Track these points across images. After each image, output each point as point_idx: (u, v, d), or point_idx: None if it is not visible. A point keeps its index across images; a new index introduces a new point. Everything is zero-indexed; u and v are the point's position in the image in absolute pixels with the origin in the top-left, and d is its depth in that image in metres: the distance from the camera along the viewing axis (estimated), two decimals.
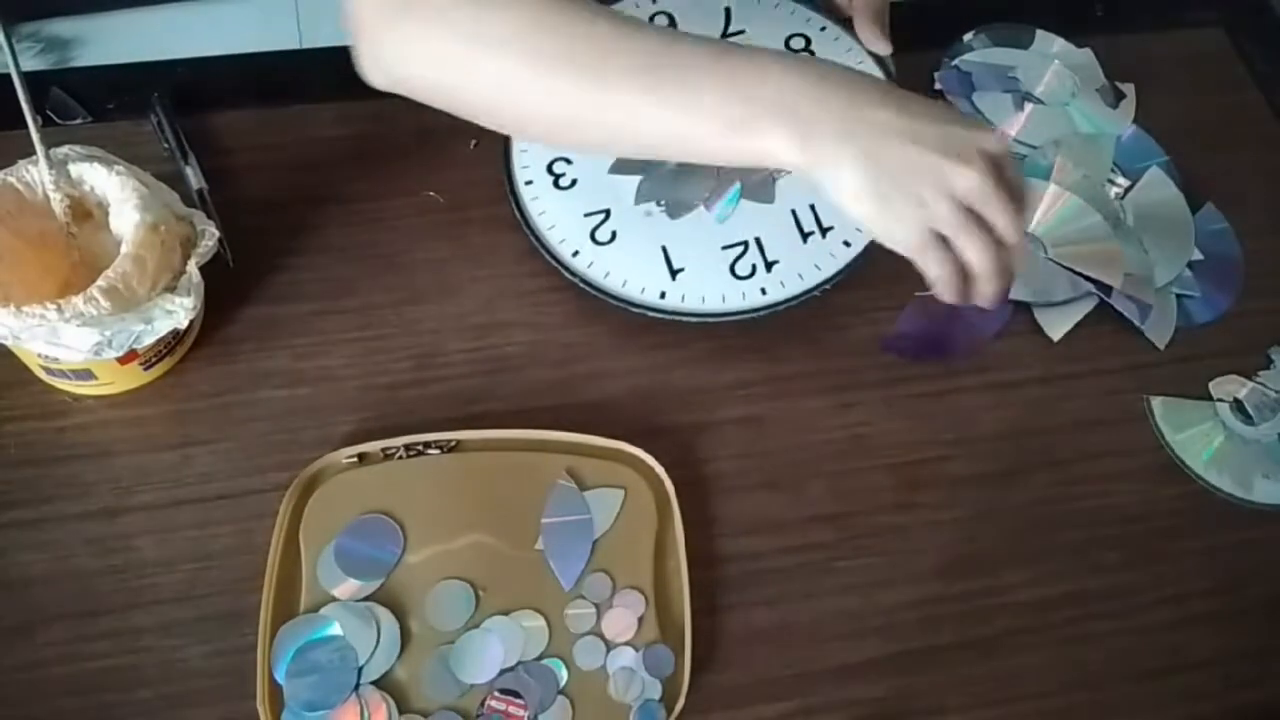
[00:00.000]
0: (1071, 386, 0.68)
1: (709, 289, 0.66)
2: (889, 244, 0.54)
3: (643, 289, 0.66)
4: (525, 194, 0.68)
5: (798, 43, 0.74)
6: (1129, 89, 0.80)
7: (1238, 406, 0.68)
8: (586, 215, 0.67)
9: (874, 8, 0.71)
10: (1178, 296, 0.71)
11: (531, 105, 0.56)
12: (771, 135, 0.53)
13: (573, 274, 0.65)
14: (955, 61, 0.80)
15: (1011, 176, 0.54)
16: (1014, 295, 0.69)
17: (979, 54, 0.81)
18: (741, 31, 0.74)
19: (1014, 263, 0.55)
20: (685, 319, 0.65)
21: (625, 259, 0.66)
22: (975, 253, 0.53)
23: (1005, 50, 0.81)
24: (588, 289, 0.65)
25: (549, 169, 0.69)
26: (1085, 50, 0.81)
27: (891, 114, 0.52)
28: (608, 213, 0.68)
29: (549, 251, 0.66)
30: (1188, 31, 0.85)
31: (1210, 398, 0.68)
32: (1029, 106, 0.78)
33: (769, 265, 0.67)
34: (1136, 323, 0.69)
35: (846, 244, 0.68)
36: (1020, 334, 0.69)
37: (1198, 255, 0.72)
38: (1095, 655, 0.60)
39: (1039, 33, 0.82)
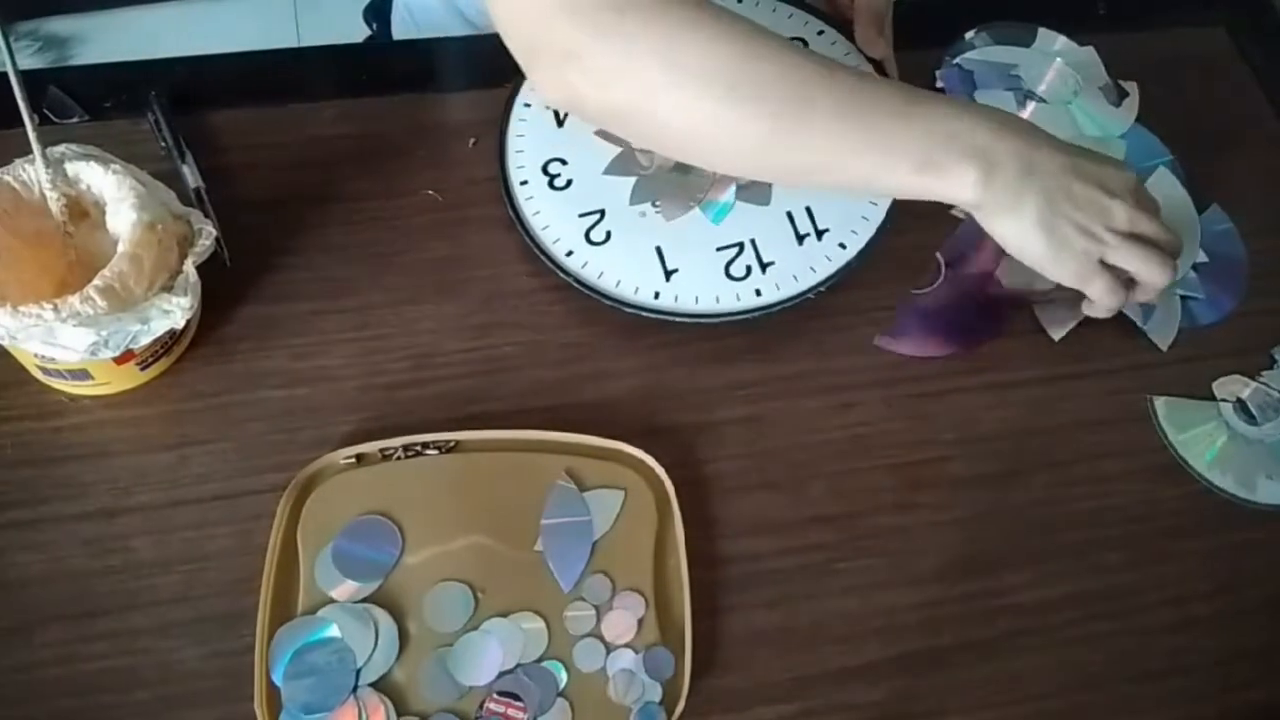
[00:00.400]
0: (1073, 386, 0.67)
1: (703, 290, 0.66)
2: (1058, 276, 0.60)
3: (636, 289, 0.65)
4: (520, 194, 0.68)
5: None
6: (1132, 87, 0.79)
7: (1241, 407, 0.67)
8: (581, 216, 0.67)
9: (874, 10, 0.71)
10: (1182, 298, 0.71)
11: (727, 140, 0.56)
12: (959, 175, 0.56)
13: (567, 274, 0.65)
14: (957, 59, 0.80)
15: (1147, 197, 0.62)
16: (1009, 284, 0.69)
17: (981, 52, 0.81)
18: None
19: (1172, 267, 0.61)
20: (680, 319, 0.65)
21: (620, 260, 0.66)
22: (1142, 264, 0.60)
23: (1007, 48, 0.81)
24: (582, 289, 0.65)
25: (544, 169, 0.69)
26: (1088, 48, 0.81)
27: (1059, 154, 0.58)
28: (602, 213, 0.67)
29: (543, 252, 0.66)
30: (1190, 30, 0.84)
31: (1213, 398, 0.68)
32: (1031, 105, 0.78)
33: (764, 266, 0.67)
34: (1139, 324, 0.69)
35: (842, 246, 0.67)
36: (1021, 334, 0.69)
37: (1203, 257, 0.72)
38: (1097, 656, 0.59)
39: (1041, 31, 0.82)
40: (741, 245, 0.67)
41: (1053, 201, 0.57)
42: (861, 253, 0.67)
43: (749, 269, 0.67)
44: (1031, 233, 0.58)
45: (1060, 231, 0.58)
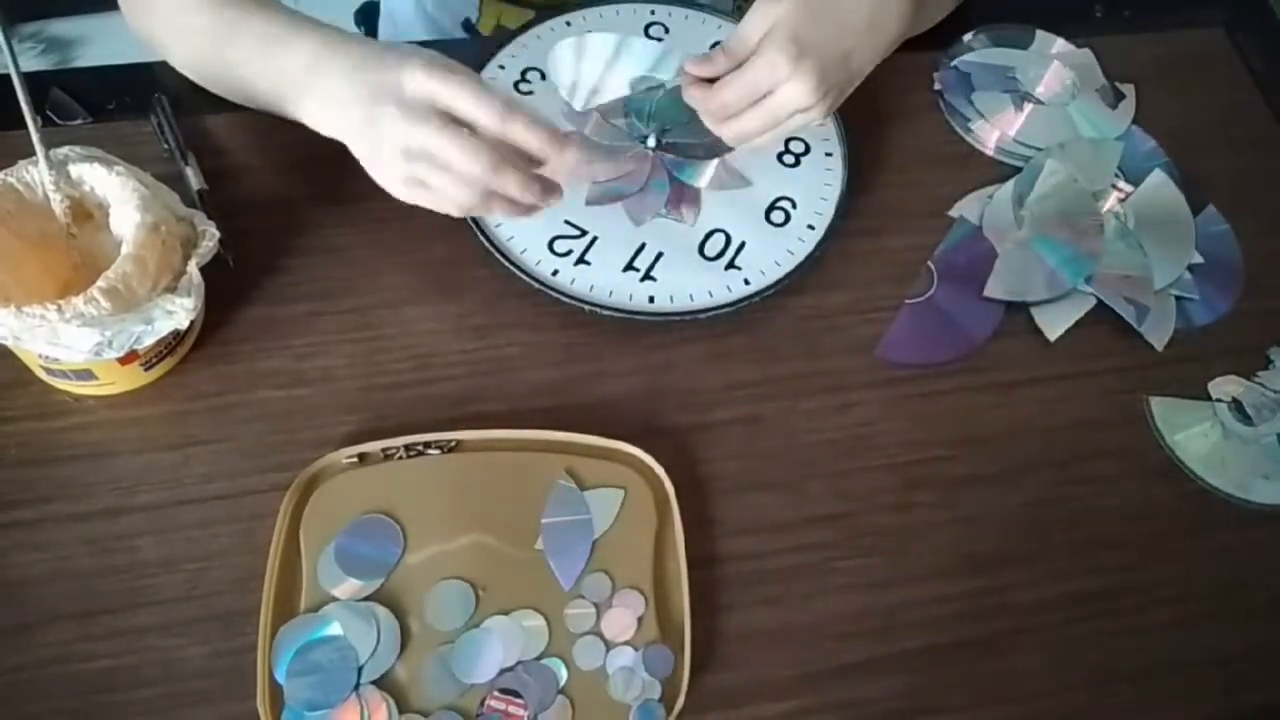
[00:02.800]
0: (1071, 387, 0.68)
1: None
2: (381, 180, 0.61)
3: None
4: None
5: None
6: (1129, 89, 0.80)
7: (1236, 407, 0.68)
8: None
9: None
10: (1177, 298, 0.71)
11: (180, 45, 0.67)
12: (297, 112, 0.62)
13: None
14: (955, 62, 0.80)
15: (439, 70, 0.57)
16: (992, 294, 0.69)
17: (979, 54, 0.81)
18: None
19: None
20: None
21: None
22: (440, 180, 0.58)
23: (1005, 50, 0.81)
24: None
25: None
26: (1085, 50, 0.81)
27: (350, 58, 0.60)
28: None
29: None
30: (1187, 32, 0.85)
31: (1209, 398, 0.68)
32: (1029, 107, 0.78)
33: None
34: (1134, 324, 0.69)
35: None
36: (1019, 334, 0.69)
37: (1198, 258, 0.72)
38: (1095, 655, 0.60)
39: (1039, 33, 0.82)
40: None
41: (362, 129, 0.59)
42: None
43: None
44: (354, 138, 0.60)
45: (370, 139, 0.59)
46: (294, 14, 0.64)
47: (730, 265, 0.68)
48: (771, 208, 0.70)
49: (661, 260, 0.68)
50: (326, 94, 0.61)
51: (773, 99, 0.61)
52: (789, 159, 0.72)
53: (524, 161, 0.59)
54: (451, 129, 0.57)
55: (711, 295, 0.67)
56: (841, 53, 0.61)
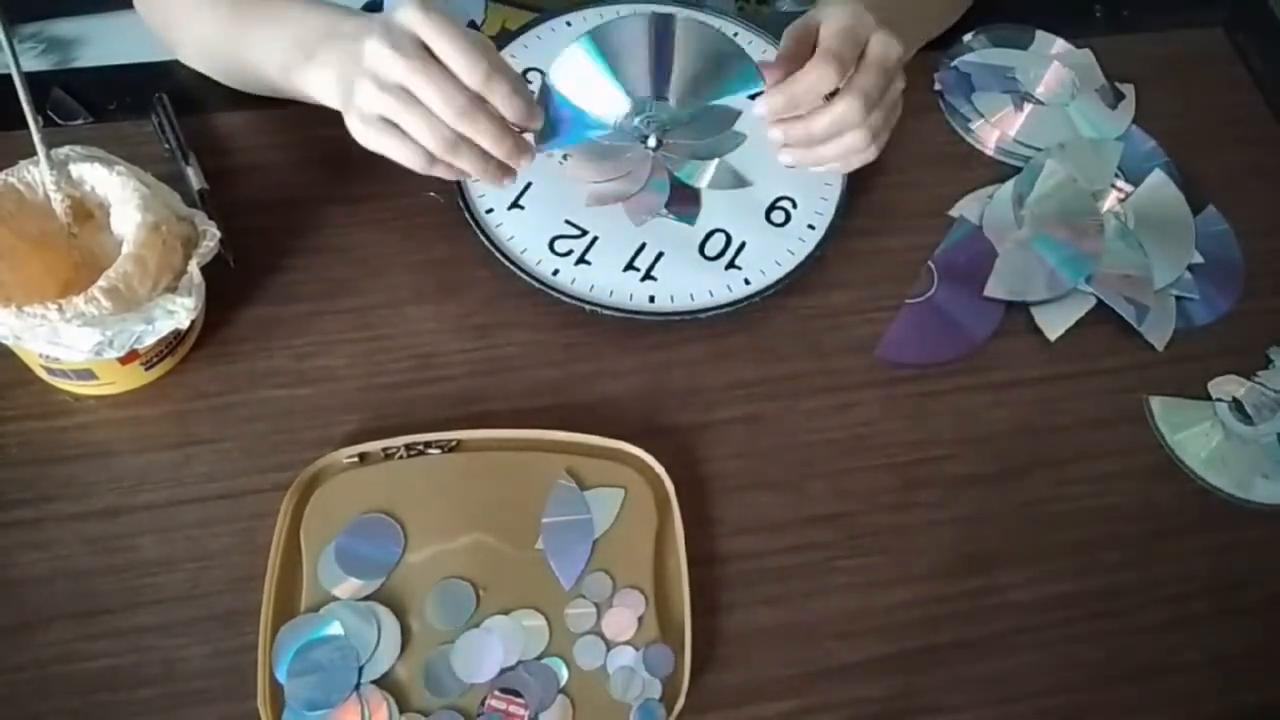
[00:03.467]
0: (1071, 386, 0.68)
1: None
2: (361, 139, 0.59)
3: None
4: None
5: None
6: (1128, 89, 0.80)
7: (1237, 406, 0.68)
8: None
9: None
10: (1178, 298, 0.71)
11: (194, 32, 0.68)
12: (307, 85, 0.62)
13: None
14: (955, 62, 0.80)
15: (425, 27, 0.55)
16: (993, 293, 0.69)
17: (979, 54, 0.81)
18: None
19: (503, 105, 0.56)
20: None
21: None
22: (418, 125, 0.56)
23: (1005, 51, 0.81)
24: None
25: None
26: (1085, 51, 0.82)
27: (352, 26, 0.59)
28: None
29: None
30: (1187, 32, 0.85)
31: (1209, 397, 0.68)
32: (1028, 107, 0.78)
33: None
34: (1134, 324, 0.69)
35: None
36: (1019, 334, 0.69)
37: (1198, 258, 0.72)
38: (1094, 655, 0.60)
39: (1038, 33, 0.82)
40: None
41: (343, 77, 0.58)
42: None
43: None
44: (337, 82, 0.59)
45: (349, 81, 0.57)
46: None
47: (731, 265, 0.68)
48: (772, 207, 0.70)
49: (662, 260, 0.68)
50: (325, 53, 0.60)
51: (870, 52, 0.60)
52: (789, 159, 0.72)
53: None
54: (431, 65, 0.55)
55: (712, 295, 0.67)
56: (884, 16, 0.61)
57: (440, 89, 0.55)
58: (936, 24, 0.79)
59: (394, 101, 0.56)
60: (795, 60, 0.60)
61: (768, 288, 0.67)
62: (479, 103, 0.56)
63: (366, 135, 0.58)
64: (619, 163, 0.71)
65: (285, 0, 0.64)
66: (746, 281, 0.67)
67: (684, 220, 0.69)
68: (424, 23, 0.55)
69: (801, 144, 0.62)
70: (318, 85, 0.61)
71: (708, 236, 0.69)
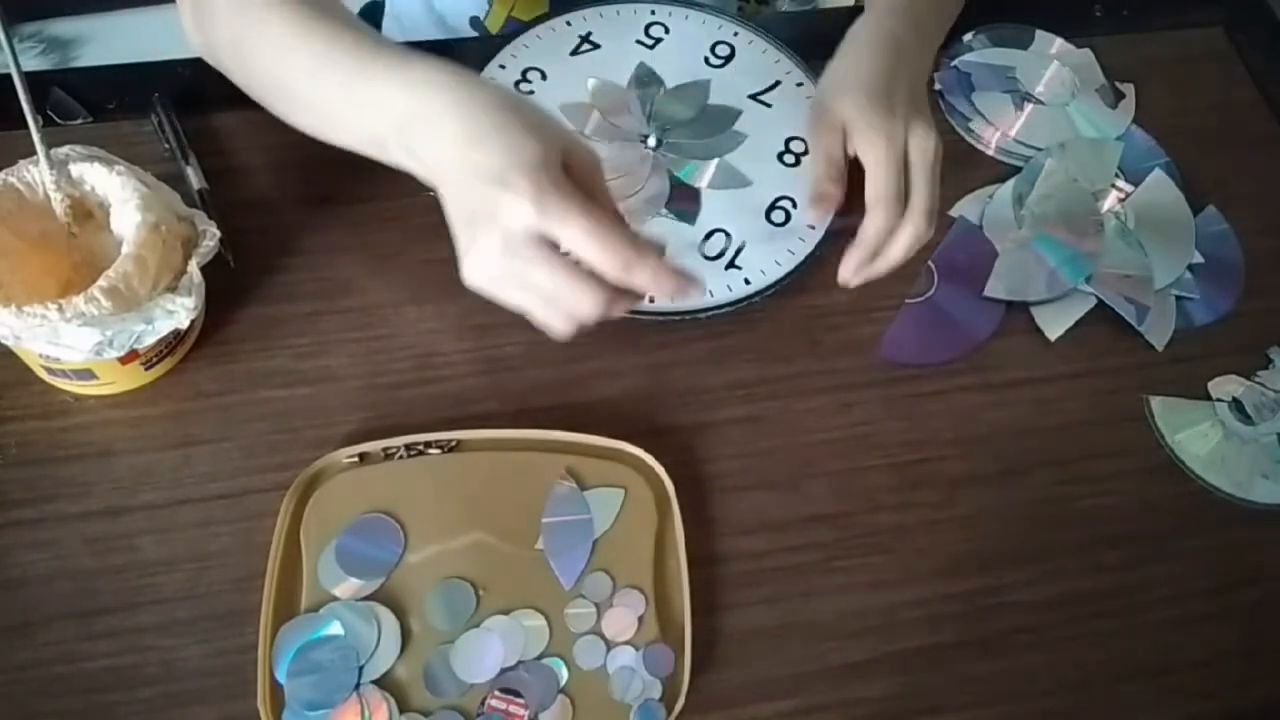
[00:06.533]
0: (1071, 386, 0.68)
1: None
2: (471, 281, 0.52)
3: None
4: None
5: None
6: (1128, 89, 0.80)
7: (1237, 406, 0.68)
8: None
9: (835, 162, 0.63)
10: (1178, 298, 0.71)
11: (269, 80, 0.60)
12: (400, 158, 0.54)
13: None
14: (955, 62, 0.80)
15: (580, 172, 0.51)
16: (993, 293, 0.69)
17: (978, 54, 0.81)
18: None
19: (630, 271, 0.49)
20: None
21: None
22: (546, 281, 0.49)
23: (1005, 50, 0.81)
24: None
25: None
26: (1085, 50, 0.81)
27: (470, 127, 0.50)
28: None
29: None
30: (1187, 32, 0.85)
31: (1209, 397, 0.68)
32: (1029, 106, 0.78)
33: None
34: (1134, 324, 0.69)
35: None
36: (1019, 334, 0.69)
37: (1198, 258, 0.72)
38: (1095, 655, 0.60)
39: (1038, 33, 0.82)
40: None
41: (456, 198, 0.51)
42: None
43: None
44: (453, 223, 0.52)
45: (469, 233, 0.51)
46: (381, 48, 0.55)
47: (730, 265, 0.68)
48: (772, 207, 0.70)
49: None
50: (427, 162, 0.53)
51: (913, 158, 0.61)
52: (789, 159, 0.72)
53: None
54: (561, 270, 0.49)
55: (712, 295, 0.67)
56: (910, 86, 0.63)
57: (573, 292, 0.49)
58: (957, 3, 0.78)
59: (519, 290, 0.51)
60: (834, 168, 0.62)
61: (768, 287, 0.67)
62: (616, 285, 0.50)
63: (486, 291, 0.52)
64: (619, 163, 0.71)
65: (354, 54, 0.55)
66: (746, 281, 0.67)
67: (684, 220, 0.69)
68: (546, 225, 0.48)
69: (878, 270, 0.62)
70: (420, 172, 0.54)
71: (707, 236, 0.69)
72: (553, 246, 0.49)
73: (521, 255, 0.49)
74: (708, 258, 0.68)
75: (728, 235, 0.69)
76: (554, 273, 0.49)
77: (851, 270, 0.61)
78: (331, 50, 0.56)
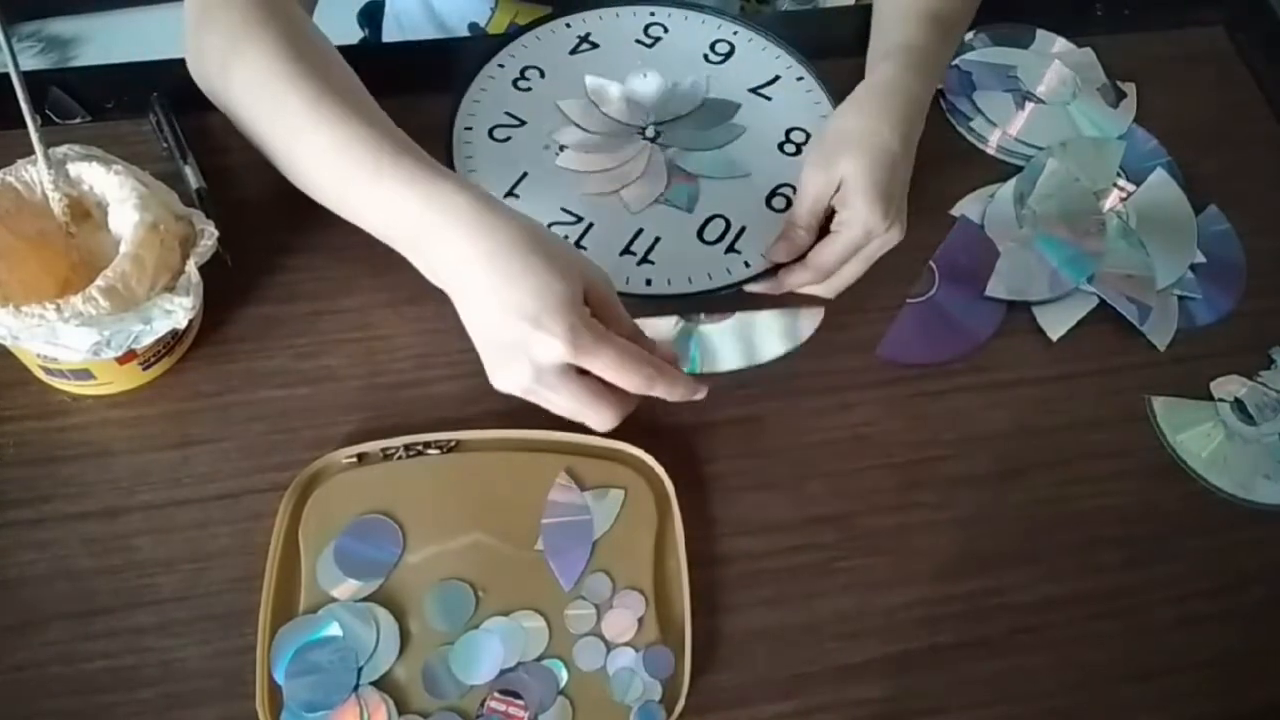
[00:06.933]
0: (1072, 386, 0.68)
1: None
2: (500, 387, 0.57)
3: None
4: None
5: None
6: (1130, 88, 0.80)
7: (1239, 406, 0.68)
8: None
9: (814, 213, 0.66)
10: (1179, 298, 0.71)
11: (267, 143, 0.61)
12: (414, 259, 0.59)
13: None
14: (956, 61, 0.80)
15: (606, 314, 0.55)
16: (994, 293, 0.69)
17: (979, 53, 0.81)
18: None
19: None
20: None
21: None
22: (568, 403, 0.55)
23: (1006, 49, 0.81)
24: None
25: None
26: (1086, 49, 0.81)
27: (495, 264, 0.54)
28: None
29: None
30: (1188, 31, 0.85)
31: (1211, 397, 0.68)
32: (1029, 106, 0.78)
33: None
34: (1136, 324, 0.69)
35: None
36: (1020, 334, 0.69)
37: (1200, 258, 0.72)
38: (1096, 656, 0.60)
39: (1039, 32, 0.82)
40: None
41: (478, 317, 0.56)
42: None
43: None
44: (476, 338, 0.56)
45: (498, 356, 0.55)
46: (403, 154, 0.57)
47: (730, 249, 0.67)
48: (772, 194, 0.70)
49: (660, 244, 0.67)
50: (447, 274, 0.56)
51: (867, 249, 0.64)
52: (789, 148, 0.72)
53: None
54: (583, 394, 0.55)
55: (711, 278, 0.66)
56: (903, 181, 0.64)
57: (597, 413, 0.55)
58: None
59: (546, 402, 0.56)
60: (815, 217, 0.65)
61: (767, 270, 0.66)
62: (630, 394, 0.55)
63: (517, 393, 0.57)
64: (616, 154, 0.71)
65: (372, 162, 0.57)
66: (746, 264, 0.67)
67: (682, 208, 0.69)
68: (575, 357, 0.52)
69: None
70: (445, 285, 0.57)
71: (707, 221, 0.68)
72: (578, 371, 0.54)
73: (549, 382, 0.54)
74: (706, 243, 0.68)
75: (727, 220, 0.68)
76: (580, 395, 0.54)
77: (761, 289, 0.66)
78: (346, 127, 0.58)
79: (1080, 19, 0.84)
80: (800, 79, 0.75)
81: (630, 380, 0.54)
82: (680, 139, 0.71)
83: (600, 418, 0.55)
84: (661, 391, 0.55)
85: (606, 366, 0.53)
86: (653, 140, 0.71)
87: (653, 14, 0.78)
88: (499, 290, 0.53)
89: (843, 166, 0.62)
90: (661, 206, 0.69)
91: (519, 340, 0.53)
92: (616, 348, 0.53)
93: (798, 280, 0.65)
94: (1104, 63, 0.80)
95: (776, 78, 0.75)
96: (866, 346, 0.68)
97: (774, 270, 0.66)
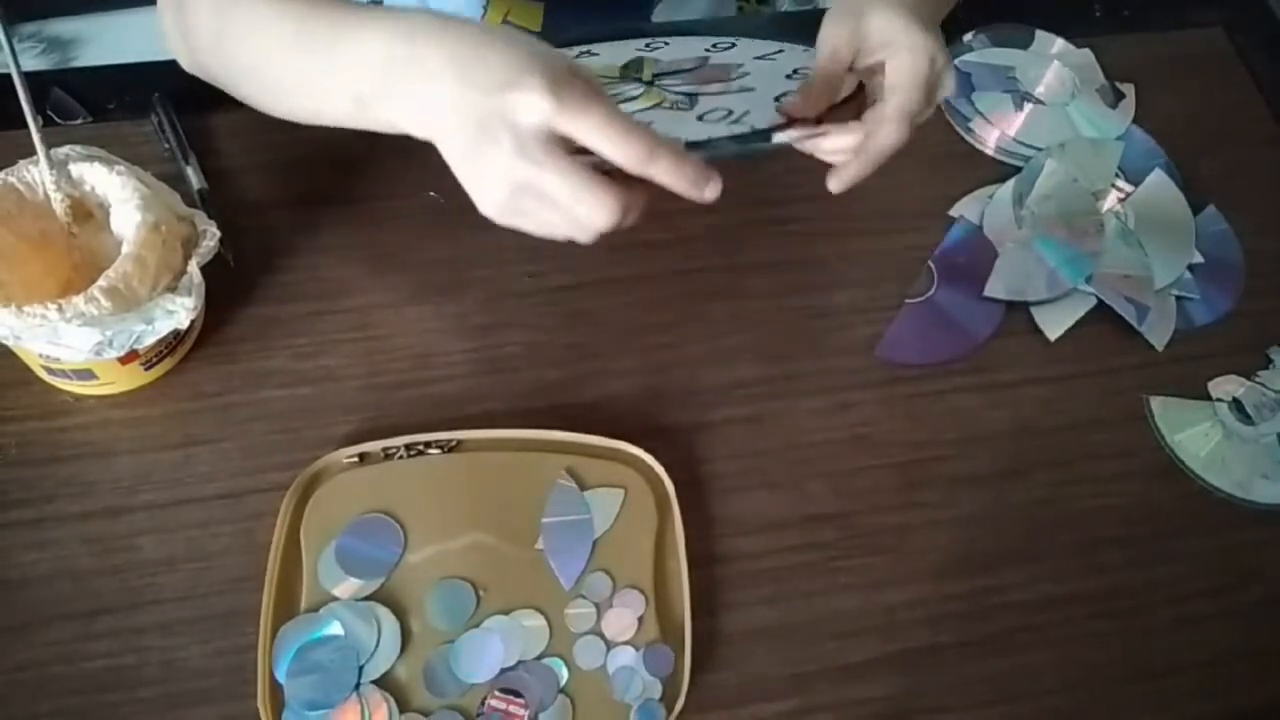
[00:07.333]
0: (1071, 386, 0.68)
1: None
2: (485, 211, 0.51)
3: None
4: None
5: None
6: (1128, 89, 0.80)
7: (1237, 406, 0.68)
8: None
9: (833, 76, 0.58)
10: (1178, 298, 0.71)
11: (250, 66, 0.58)
12: (389, 111, 0.51)
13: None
14: (955, 61, 0.80)
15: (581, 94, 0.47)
16: (993, 293, 0.69)
17: (979, 54, 0.81)
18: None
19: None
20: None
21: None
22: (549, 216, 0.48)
23: (1005, 50, 0.81)
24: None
25: None
26: (1084, 50, 0.82)
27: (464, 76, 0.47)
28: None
29: None
30: (1187, 32, 0.85)
31: (1209, 398, 0.68)
32: (1029, 107, 0.78)
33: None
34: (1134, 324, 0.69)
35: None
36: (1020, 334, 0.69)
37: (1198, 258, 0.72)
38: (1096, 655, 0.60)
39: (1038, 33, 0.82)
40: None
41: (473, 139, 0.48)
42: None
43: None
44: (453, 156, 0.49)
45: (473, 158, 0.48)
46: (364, 10, 0.52)
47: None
48: (777, 99, 0.64)
49: (654, 125, 0.60)
50: (418, 101, 0.49)
51: (933, 76, 0.55)
52: (795, 79, 0.69)
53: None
54: (576, 174, 0.47)
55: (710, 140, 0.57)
56: (937, 32, 0.57)
57: (590, 202, 0.47)
58: None
59: (535, 202, 0.48)
60: (838, 64, 0.56)
61: (776, 127, 0.57)
62: (631, 192, 0.48)
63: (499, 220, 0.51)
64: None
65: (332, 10, 0.53)
66: (752, 128, 0.58)
67: (684, 109, 0.61)
68: (560, 121, 0.46)
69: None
70: (414, 126, 0.50)
71: (709, 111, 0.60)
72: (566, 148, 0.47)
73: (534, 158, 0.46)
74: (708, 122, 0.60)
75: (730, 110, 0.62)
76: (568, 177, 0.47)
77: (848, 182, 0.56)
78: (314, 12, 0.53)
79: (1079, 20, 0.84)
80: (806, 50, 0.73)
81: (627, 149, 0.46)
82: (678, 88, 0.66)
83: (601, 205, 0.47)
84: (665, 171, 0.47)
85: (597, 128, 0.46)
86: (649, 83, 0.66)
87: (647, 44, 0.76)
88: (468, 73, 0.47)
89: (870, 13, 0.55)
90: (660, 110, 0.61)
91: (496, 110, 0.46)
92: (608, 106, 0.46)
93: (842, 143, 0.55)
94: (1103, 63, 0.81)
95: (780, 50, 0.73)
96: (866, 346, 0.68)
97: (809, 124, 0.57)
